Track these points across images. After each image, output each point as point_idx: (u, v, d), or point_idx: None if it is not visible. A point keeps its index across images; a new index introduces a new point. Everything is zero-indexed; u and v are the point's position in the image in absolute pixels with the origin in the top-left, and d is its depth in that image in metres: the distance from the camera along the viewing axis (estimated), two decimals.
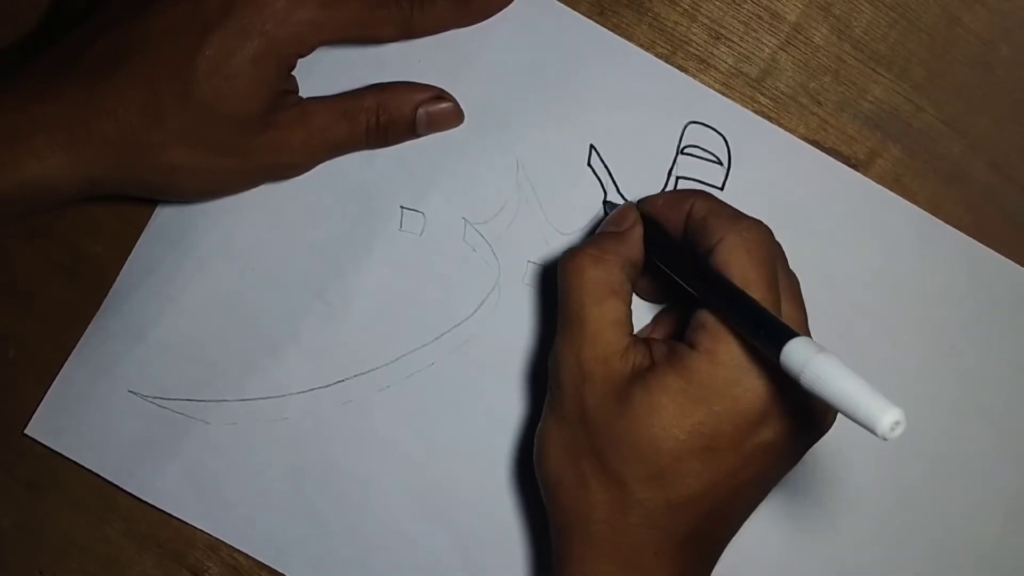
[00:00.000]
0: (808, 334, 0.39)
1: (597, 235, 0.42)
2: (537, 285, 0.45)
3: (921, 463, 0.46)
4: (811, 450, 0.40)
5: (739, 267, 0.37)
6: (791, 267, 0.40)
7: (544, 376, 0.45)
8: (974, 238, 0.46)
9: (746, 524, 0.41)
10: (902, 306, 0.46)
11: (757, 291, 0.36)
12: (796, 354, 0.31)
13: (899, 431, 0.28)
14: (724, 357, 0.36)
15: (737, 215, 0.39)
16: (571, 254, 0.40)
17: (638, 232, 0.41)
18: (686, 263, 0.39)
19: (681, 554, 0.38)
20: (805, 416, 0.37)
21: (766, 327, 0.34)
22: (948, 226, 0.46)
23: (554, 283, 0.41)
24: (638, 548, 0.38)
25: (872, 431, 0.28)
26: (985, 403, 0.46)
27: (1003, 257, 0.46)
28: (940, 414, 0.46)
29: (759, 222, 0.39)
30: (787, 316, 0.38)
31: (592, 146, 0.45)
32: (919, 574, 0.46)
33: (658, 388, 0.37)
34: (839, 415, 0.31)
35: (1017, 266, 0.46)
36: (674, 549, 0.38)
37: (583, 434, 0.38)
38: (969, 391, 0.46)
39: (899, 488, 0.46)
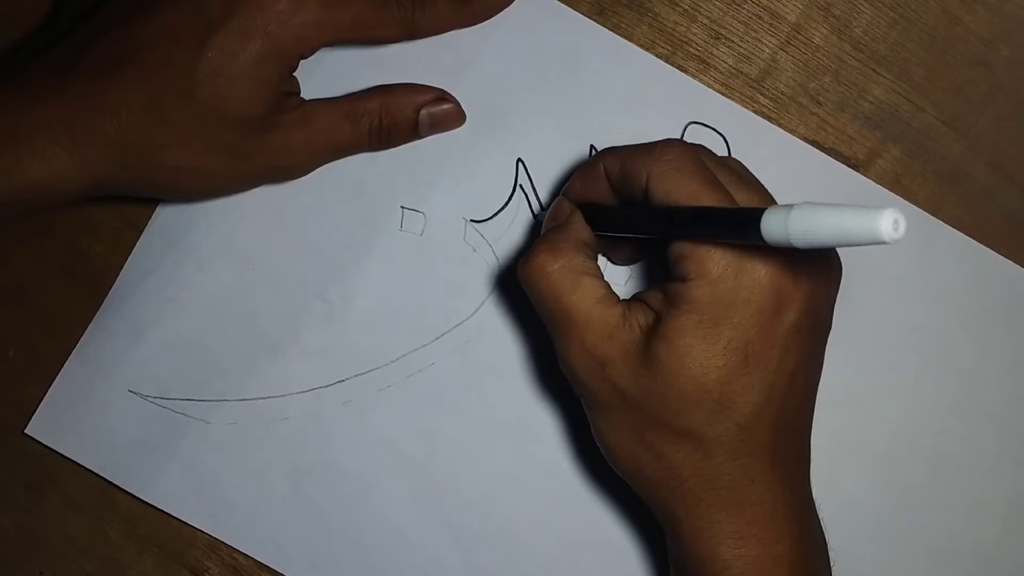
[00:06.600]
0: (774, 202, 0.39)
1: (543, 234, 0.42)
2: None
3: (921, 463, 0.46)
4: (811, 451, 0.40)
5: (676, 189, 0.37)
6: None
7: (544, 375, 0.45)
8: (973, 238, 0.46)
9: None
10: (902, 306, 0.46)
11: (705, 198, 0.36)
12: (773, 224, 0.30)
13: (902, 226, 0.27)
14: (716, 272, 0.36)
15: (648, 147, 0.39)
16: (526, 259, 0.39)
17: (577, 216, 0.41)
18: (632, 218, 0.39)
19: (775, 466, 0.38)
20: (814, 273, 0.37)
21: (733, 223, 0.34)
22: (948, 226, 0.46)
23: None
24: (735, 484, 0.37)
25: (879, 241, 0.27)
26: (985, 403, 0.46)
27: (1002, 257, 0.46)
28: (940, 414, 0.46)
29: (669, 140, 0.39)
30: (745, 201, 0.38)
31: (592, 146, 0.45)
32: (919, 574, 0.46)
33: (675, 333, 0.36)
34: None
35: (1016, 266, 0.46)
36: (767, 466, 0.37)
37: (632, 412, 0.38)
38: (969, 391, 0.46)
39: (899, 488, 0.46)
